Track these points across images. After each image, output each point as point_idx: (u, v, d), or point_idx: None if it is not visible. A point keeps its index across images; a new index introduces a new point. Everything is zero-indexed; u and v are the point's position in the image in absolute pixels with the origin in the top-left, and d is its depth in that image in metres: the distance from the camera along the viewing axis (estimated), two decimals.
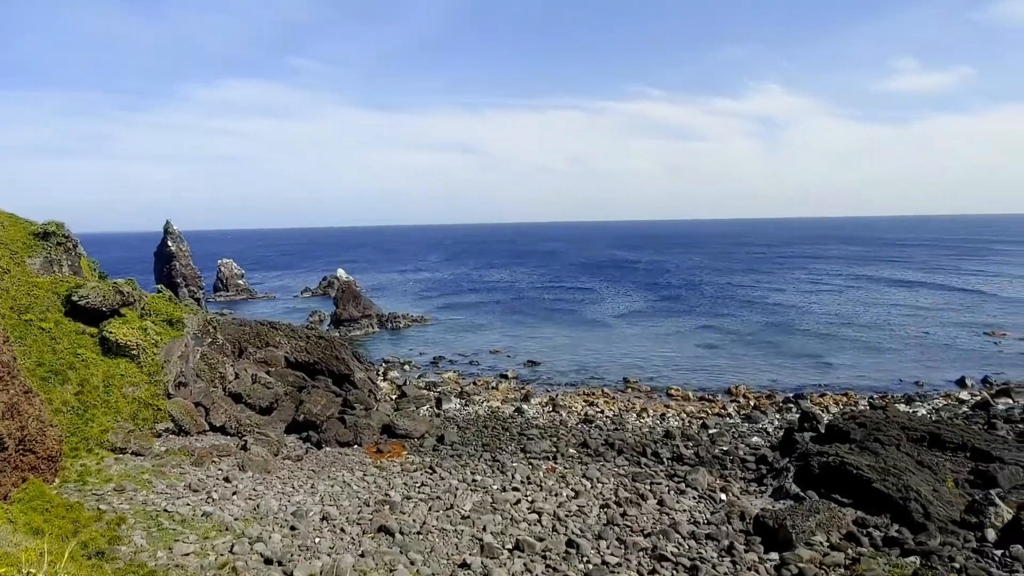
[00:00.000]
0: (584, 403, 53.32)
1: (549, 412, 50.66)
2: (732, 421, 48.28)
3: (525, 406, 51.77)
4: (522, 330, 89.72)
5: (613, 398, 54.94)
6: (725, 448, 40.98)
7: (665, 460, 38.57)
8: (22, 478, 25.31)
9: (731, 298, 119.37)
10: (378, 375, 60.57)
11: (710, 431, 45.15)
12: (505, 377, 62.45)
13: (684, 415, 49.87)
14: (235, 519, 26.01)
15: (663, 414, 49.96)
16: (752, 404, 52.48)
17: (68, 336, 37.33)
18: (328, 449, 39.80)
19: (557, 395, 55.69)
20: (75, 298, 38.82)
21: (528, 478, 34.89)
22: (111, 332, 37.98)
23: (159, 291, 53.22)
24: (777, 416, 49.29)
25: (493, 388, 58.57)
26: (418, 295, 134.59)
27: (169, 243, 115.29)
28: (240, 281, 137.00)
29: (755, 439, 43.52)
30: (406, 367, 67.46)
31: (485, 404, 52.88)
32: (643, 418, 49.06)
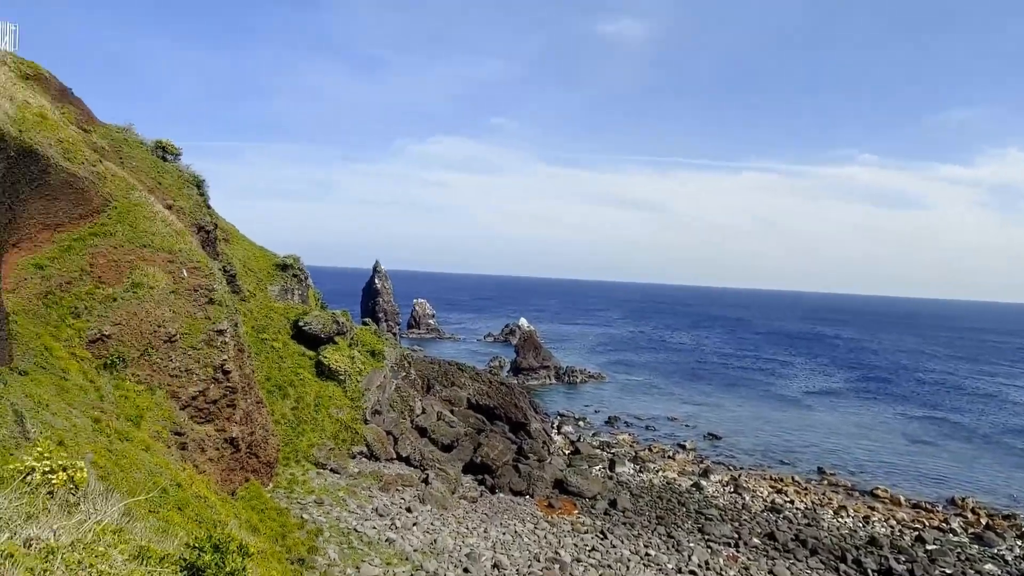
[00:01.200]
0: (770, 488, 48.60)
1: (730, 492, 46.86)
2: (957, 539, 40.89)
3: (704, 482, 48.43)
4: (702, 398, 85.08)
5: (805, 488, 49.43)
6: (948, 571, 34.78)
7: (870, 572, 33.60)
8: (246, 478, 28.73)
9: (955, 389, 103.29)
10: (552, 428, 60.71)
11: (928, 547, 38.59)
12: (683, 447, 59.22)
13: (893, 521, 43.31)
14: (414, 550, 27.09)
15: (866, 516, 43.83)
16: (984, 523, 44.11)
17: (292, 356, 42.38)
18: (501, 495, 40.28)
19: (740, 475, 51.43)
20: (301, 324, 44.10)
21: (706, 563, 32.28)
22: (326, 357, 42.43)
23: (365, 324, 58.79)
24: (1019, 543, 40.88)
25: (669, 457, 55.75)
26: (595, 350, 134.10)
27: (376, 281, 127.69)
28: (431, 320, 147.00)
29: (989, 566, 36.38)
30: (580, 423, 66.85)
31: (660, 473, 50.38)
32: (841, 517, 43.43)
